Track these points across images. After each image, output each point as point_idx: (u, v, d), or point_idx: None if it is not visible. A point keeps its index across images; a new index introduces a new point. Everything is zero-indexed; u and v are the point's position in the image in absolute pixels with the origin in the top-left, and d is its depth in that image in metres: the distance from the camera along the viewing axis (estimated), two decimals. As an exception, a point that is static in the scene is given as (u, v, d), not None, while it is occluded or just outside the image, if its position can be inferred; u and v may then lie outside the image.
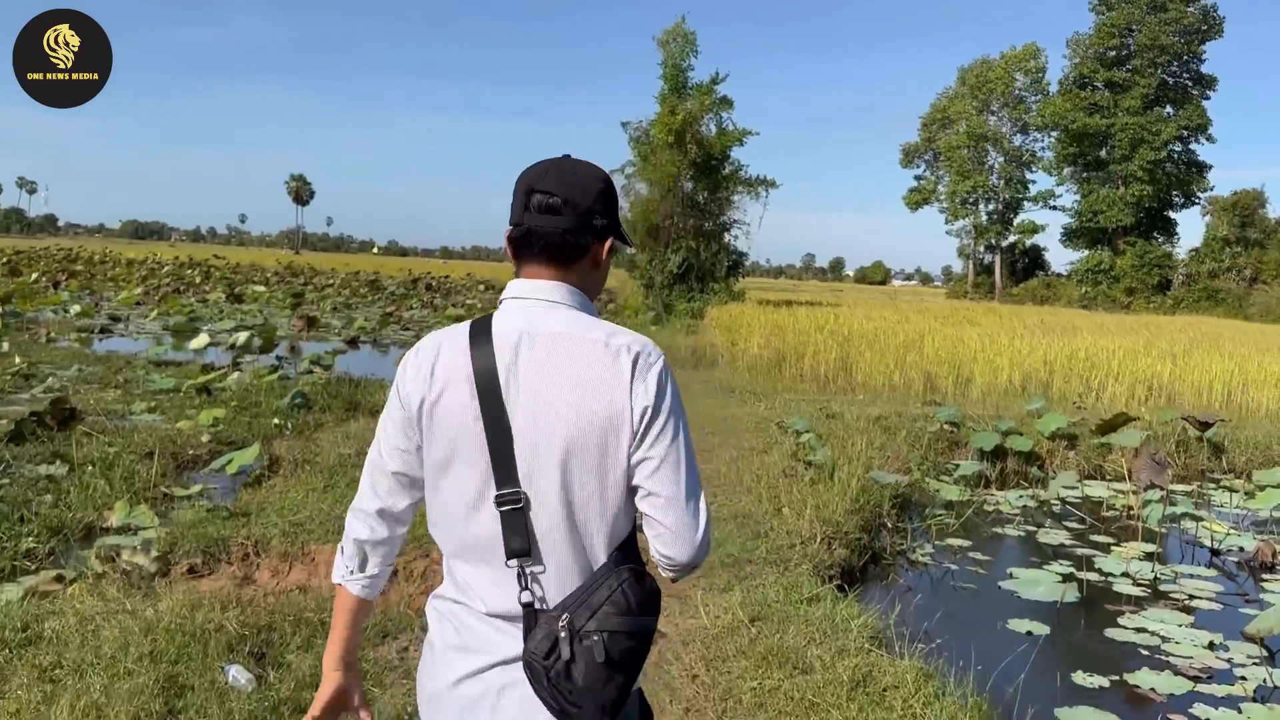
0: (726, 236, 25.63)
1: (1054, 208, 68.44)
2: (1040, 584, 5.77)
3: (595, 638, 1.47)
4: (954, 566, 6.18)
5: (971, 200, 69.86)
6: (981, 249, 72.34)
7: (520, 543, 1.52)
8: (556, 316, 1.57)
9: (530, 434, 1.52)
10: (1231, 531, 7.23)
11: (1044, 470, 9.42)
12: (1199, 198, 60.63)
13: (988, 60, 70.40)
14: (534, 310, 1.58)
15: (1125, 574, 6.15)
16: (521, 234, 1.60)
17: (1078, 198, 62.99)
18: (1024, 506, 7.93)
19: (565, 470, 1.52)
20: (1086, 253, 64.16)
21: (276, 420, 9.49)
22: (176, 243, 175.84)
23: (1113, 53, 59.17)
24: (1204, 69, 59.38)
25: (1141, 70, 57.75)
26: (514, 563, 1.52)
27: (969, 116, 69.10)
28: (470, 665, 1.58)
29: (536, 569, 1.54)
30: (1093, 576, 6.09)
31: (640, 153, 24.11)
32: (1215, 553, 6.83)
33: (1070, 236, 65.05)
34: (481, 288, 41.39)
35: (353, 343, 20.04)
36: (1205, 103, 59.41)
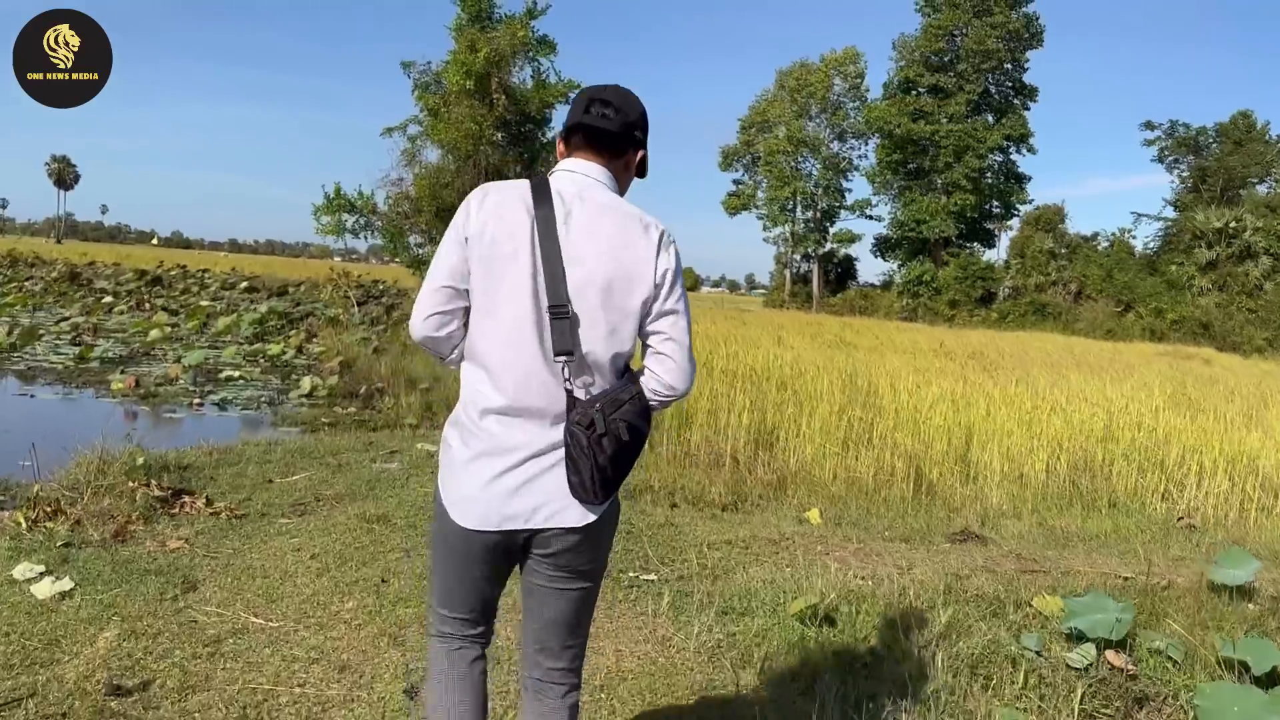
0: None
1: (870, 217, 67.05)
2: None
3: (621, 424, 2.01)
4: None
5: (790, 207, 67.44)
6: (798, 257, 70.09)
7: (565, 344, 2.01)
8: (601, 191, 2.13)
9: (576, 269, 2.03)
10: None
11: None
12: (1018, 209, 59.92)
13: (806, 64, 67.98)
14: (583, 182, 2.12)
15: None
16: (579, 127, 2.15)
17: (896, 207, 61.23)
18: None
19: (599, 303, 2.03)
20: (898, 264, 62.80)
21: None
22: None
23: (937, 57, 57.35)
24: (1025, 79, 58.62)
25: (967, 75, 56.17)
26: (560, 359, 2.01)
27: (788, 121, 66.40)
28: (504, 464, 2.06)
29: (575, 370, 2.03)
30: None
31: (428, 105, 17.37)
32: None
33: (886, 247, 63.43)
34: (225, 287, 32.79)
35: (-47, 369, 12.61)
36: (1026, 113, 58.66)
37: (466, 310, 2.13)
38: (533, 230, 2.02)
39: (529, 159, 17.64)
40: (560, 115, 21.62)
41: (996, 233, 61.68)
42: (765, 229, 69.81)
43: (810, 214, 68.25)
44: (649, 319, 2.09)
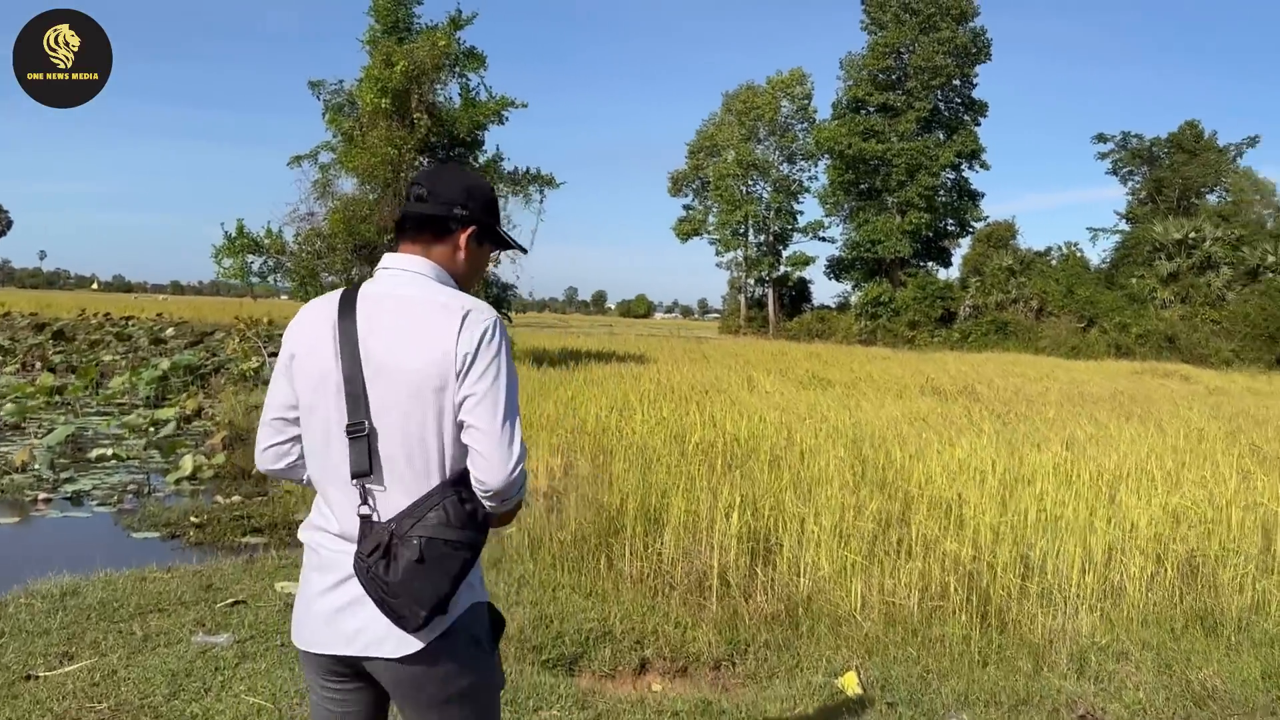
0: (484, 260, 16.80)
1: (822, 239, 65.97)
2: None
3: (415, 541, 1.80)
4: None
5: (742, 231, 66.21)
6: (752, 281, 68.80)
7: (361, 465, 1.86)
8: (412, 283, 1.98)
9: (380, 377, 1.88)
10: None
11: None
12: (973, 226, 58.95)
13: (753, 86, 66.99)
14: (396, 278, 1.99)
15: None
16: (399, 218, 2.07)
17: (850, 228, 60.04)
18: None
19: (407, 408, 1.87)
20: (853, 285, 61.80)
21: None
22: None
23: (885, 75, 56.31)
24: (974, 94, 57.79)
25: (916, 93, 55.14)
26: (356, 481, 1.88)
27: (736, 144, 65.26)
28: (325, 582, 1.92)
29: (376, 488, 1.88)
30: None
31: (341, 129, 15.19)
32: None
33: (840, 268, 62.27)
34: (122, 336, 30.02)
35: None
36: (976, 129, 57.78)
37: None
38: (335, 343, 1.93)
39: (459, 186, 15.43)
40: (495, 136, 19.78)
41: (952, 251, 60.79)
42: (718, 254, 68.57)
43: (763, 237, 67.07)
44: (457, 409, 1.90)
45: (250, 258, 15.52)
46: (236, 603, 5.03)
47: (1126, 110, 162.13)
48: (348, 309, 1.94)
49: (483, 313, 1.93)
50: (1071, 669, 4.67)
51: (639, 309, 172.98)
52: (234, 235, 15.20)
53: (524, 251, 2.26)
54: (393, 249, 2.08)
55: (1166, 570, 5.50)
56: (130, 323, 40.40)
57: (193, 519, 8.17)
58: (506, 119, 15.65)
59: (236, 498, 9.22)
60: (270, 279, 15.95)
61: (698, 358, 21.71)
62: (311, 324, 1.98)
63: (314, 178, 15.23)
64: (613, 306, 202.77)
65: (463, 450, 1.90)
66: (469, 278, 2.10)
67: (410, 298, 1.94)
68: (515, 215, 16.89)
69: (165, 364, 18.44)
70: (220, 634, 4.45)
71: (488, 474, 1.85)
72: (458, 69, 15.58)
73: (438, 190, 2.04)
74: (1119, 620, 5.21)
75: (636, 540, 5.86)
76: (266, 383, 14.88)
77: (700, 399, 10.76)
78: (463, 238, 2.05)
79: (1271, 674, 4.59)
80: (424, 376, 1.86)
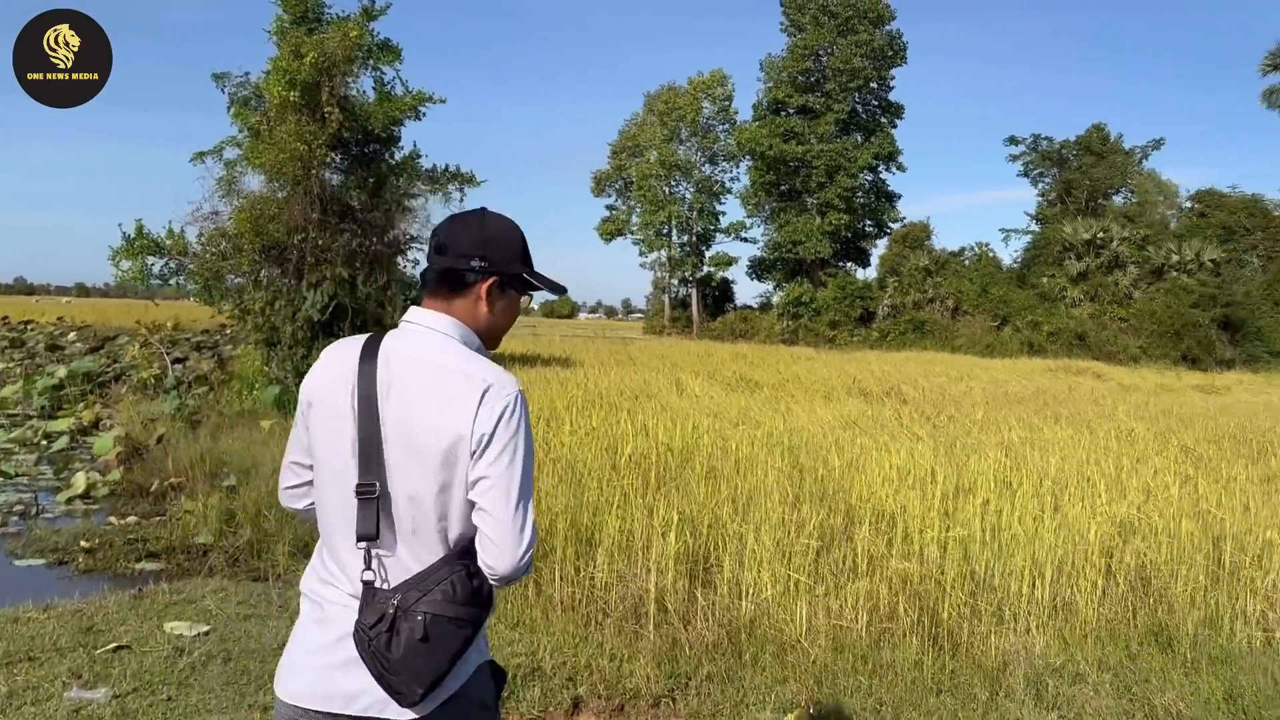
0: (401, 262, 15.88)
1: (744, 239, 66.42)
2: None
3: (419, 617, 1.74)
4: None
5: (665, 231, 66.28)
6: (676, 282, 68.89)
7: (368, 528, 1.81)
8: (434, 343, 1.92)
9: (395, 441, 1.83)
10: None
11: None
12: (890, 227, 59.87)
13: (674, 87, 67.13)
14: (419, 335, 1.94)
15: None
16: (423, 271, 2.04)
17: (771, 229, 60.51)
18: None
19: (416, 474, 1.82)
20: (774, 285, 62.39)
21: None
22: None
23: (804, 77, 56.83)
24: (891, 97, 58.67)
25: (835, 95, 55.76)
26: (362, 545, 1.81)
27: (658, 145, 65.33)
28: (328, 636, 1.84)
29: (383, 553, 1.83)
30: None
31: (248, 124, 14.43)
32: None
33: (762, 269, 62.78)
34: (35, 340, 28.24)
35: None
36: (893, 131, 58.69)
37: None
38: (353, 398, 1.87)
39: (375, 185, 14.81)
40: (411, 132, 19.07)
41: (870, 251, 61.72)
42: (642, 254, 68.59)
43: (686, 238, 67.25)
44: (470, 488, 1.83)
45: (151, 260, 14.63)
46: (119, 648, 4.48)
47: (1037, 113, 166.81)
48: (368, 363, 1.89)
49: (505, 387, 1.87)
50: (1029, 695, 4.44)
51: (563, 309, 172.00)
52: (133, 236, 14.31)
53: (562, 292, 2.15)
54: (418, 302, 2.04)
55: (1118, 584, 5.33)
56: (29, 327, 38.24)
57: (83, 543, 7.50)
58: (424, 114, 15.10)
59: (132, 518, 8.54)
60: (173, 282, 15.08)
61: (624, 360, 21.36)
62: (330, 373, 1.93)
63: (219, 175, 14.42)
64: (536, 307, 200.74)
65: (473, 524, 1.86)
66: (495, 329, 2.04)
67: (431, 362, 1.89)
68: (434, 214, 16.18)
69: (62, 371, 17.34)
70: (98, 688, 3.92)
71: (497, 560, 1.80)
72: (371, 61, 14.97)
73: (455, 242, 1.98)
74: (1072, 638, 5.00)
75: (567, 564, 5.47)
76: (167, 391, 13.82)
77: (630, 405, 10.38)
78: (483, 289, 1.98)
79: (1234, 695, 4.42)
80: (437, 448, 1.82)
